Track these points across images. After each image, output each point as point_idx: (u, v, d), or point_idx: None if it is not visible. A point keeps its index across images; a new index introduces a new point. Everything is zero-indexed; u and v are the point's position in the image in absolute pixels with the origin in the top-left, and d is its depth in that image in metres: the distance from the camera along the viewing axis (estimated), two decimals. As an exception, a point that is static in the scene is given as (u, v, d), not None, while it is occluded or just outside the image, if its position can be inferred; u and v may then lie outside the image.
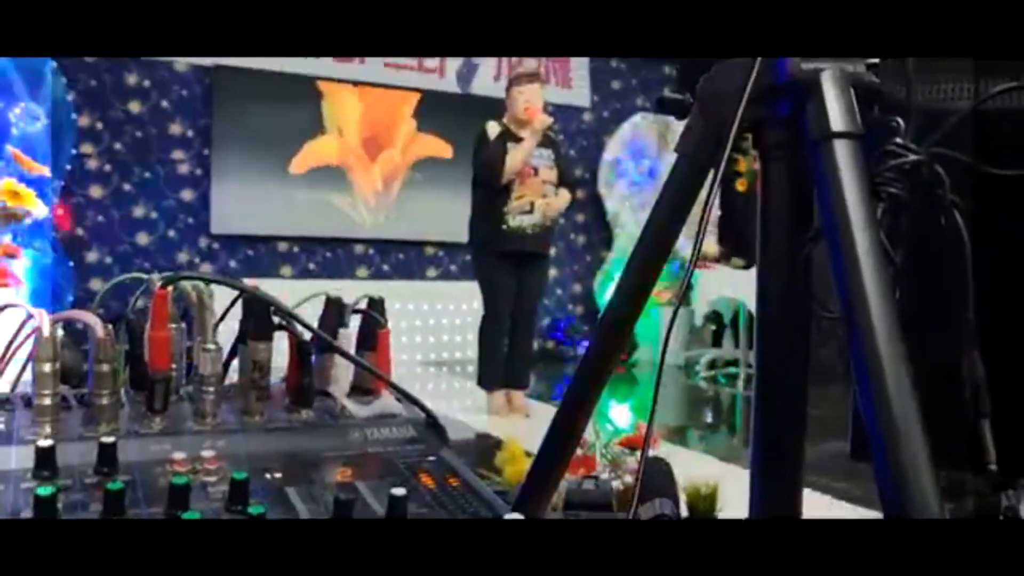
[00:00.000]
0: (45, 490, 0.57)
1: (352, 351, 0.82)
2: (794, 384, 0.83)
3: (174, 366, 0.76)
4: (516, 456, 2.68)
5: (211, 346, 0.73)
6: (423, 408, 0.80)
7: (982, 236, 0.75)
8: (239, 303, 0.79)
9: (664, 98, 0.89)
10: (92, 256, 5.83)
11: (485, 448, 3.54)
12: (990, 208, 0.80)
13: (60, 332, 3.10)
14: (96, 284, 5.79)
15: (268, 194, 6.16)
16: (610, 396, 4.95)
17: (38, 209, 4.83)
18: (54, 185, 5.38)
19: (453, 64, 6.72)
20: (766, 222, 0.83)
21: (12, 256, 4.72)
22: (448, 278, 6.79)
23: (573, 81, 7.14)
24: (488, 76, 6.80)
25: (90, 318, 0.69)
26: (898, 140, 0.74)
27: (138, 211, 5.94)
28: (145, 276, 0.79)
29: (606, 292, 6.98)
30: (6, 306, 0.71)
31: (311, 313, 0.83)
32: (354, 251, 6.56)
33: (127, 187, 5.91)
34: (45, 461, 0.62)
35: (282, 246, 6.34)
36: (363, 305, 0.85)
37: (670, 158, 0.91)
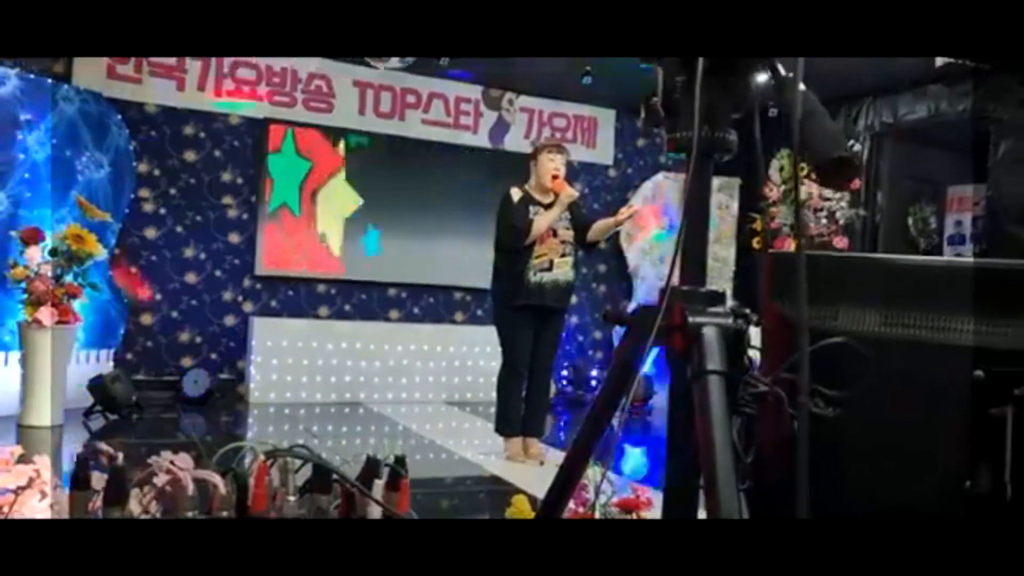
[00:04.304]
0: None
1: (382, 492, 1.19)
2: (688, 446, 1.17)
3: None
4: (523, 514, 2.99)
5: (292, 498, 1.10)
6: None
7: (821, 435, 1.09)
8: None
9: (608, 312, 1.25)
10: (143, 293, 6.26)
11: (495, 493, 3.86)
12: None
13: (111, 364, 3.65)
14: (146, 319, 6.22)
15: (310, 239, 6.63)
16: (625, 441, 5.22)
17: (99, 252, 5.25)
18: (113, 228, 5.81)
19: (486, 122, 7.16)
20: (674, 387, 1.19)
21: (74, 296, 5.11)
22: (475, 322, 7.17)
23: (598, 140, 7.55)
24: (519, 134, 7.23)
25: (216, 479, 1.06)
26: (754, 373, 1.09)
27: (188, 252, 6.39)
28: (247, 444, 1.16)
29: (624, 340, 7.28)
30: (172, 473, 1.08)
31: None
32: (387, 294, 6.97)
33: (179, 229, 6.36)
34: None
35: (320, 288, 6.76)
36: (391, 460, 1.22)
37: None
